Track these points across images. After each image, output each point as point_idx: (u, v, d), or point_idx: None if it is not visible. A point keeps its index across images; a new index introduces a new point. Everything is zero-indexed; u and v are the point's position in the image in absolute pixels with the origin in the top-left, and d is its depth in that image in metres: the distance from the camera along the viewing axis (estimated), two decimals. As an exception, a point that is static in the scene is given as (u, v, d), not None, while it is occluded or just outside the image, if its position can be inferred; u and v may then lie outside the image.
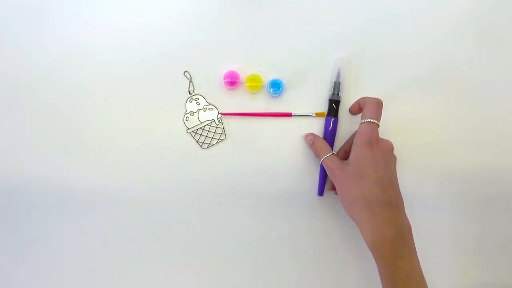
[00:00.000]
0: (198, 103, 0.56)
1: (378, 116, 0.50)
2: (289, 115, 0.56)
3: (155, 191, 0.56)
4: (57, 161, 0.56)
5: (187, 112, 0.56)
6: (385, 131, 0.57)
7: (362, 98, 0.52)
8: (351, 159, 0.49)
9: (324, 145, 0.54)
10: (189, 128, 0.56)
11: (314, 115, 0.56)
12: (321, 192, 0.56)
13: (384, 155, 0.49)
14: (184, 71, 0.56)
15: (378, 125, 0.50)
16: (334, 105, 0.55)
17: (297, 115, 0.56)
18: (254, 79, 0.55)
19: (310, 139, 0.55)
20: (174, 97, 0.56)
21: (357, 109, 0.53)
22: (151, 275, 0.56)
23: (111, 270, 0.56)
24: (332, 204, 0.57)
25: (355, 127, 0.56)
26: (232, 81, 0.55)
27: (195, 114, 0.56)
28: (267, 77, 0.56)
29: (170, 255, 0.56)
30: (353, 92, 0.56)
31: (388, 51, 0.57)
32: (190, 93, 0.56)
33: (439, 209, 0.57)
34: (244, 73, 0.56)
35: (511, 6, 0.58)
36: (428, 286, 0.58)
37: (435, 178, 0.58)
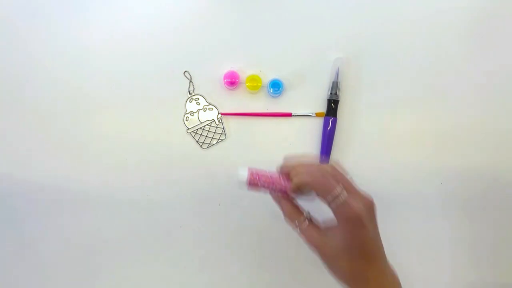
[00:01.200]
0: (198, 103, 0.56)
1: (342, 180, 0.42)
2: (289, 115, 0.56)
3: (155, 191, 0.56)
4: (57, 161, 0.56)
5: (187, 112, 0.56)
6: (384, 132, 0.57)
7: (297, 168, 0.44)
8: (337, 237, 0.42)
9: (293, 210, 0.45)
10: (189, 128, 0.56)
11: (314, 115, 0.56)
12: (321, 192, 0.56)
13: (372, 223, 0.42)
14: (184, 71, 0.56)
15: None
16: (333, 104, 0.55)
17: (297, 115, 0.56)
18: (254, 79, 0.55)
19: (275, 201, 0.47)
20: (174, 97, 0.56)
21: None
22: (151, 275, 0.56)
23: (111, 270, 0.56)
24: (332, 204, 0.57)
25: (354, 126, 0.56)
26: (232, 81, 0.55)
27: (195, 114, 0.56)
28: (267, 77, 0.56)
29: (170, 255, 0.56)
30: (352, 91, 0.57)
31: (387, 51, 0.57)
32: (190, 93, 0.56)
33: (439, 209, 0.57)
34: (244, 73, 0.56)
35: (511, 7, 0.58)
36: (429, 285, 0.58)
37: (435, 178, 0.58)
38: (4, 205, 0.56)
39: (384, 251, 0.44)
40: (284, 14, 0.57)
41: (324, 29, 0.57)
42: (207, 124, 0.56)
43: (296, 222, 0.44)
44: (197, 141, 0.56)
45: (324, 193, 0.41)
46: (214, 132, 0.56)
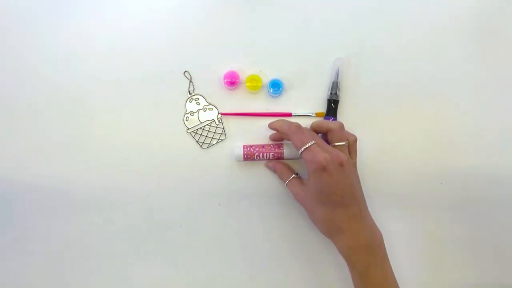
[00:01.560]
0: (198, 103, 0.56)
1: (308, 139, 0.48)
2: (289, 115, 0.56)
3: (155, 191, 0.56)
4: (57, 161, 0.56)
5: (187, 112, 0.56)
6: (384, 131, 0.57)
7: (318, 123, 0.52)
8: (310, 185, 0.49)
9: (285, 169, 0.54)
10: (189, 128, 0.56)
11: (314, 115, 0.56)
12: (321, 192, 0.56)
13: (339, 172, 0.47)
14: (184, 71, 0.56)
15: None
16: (333, 104, 0.55)
17: (297, 115, 0.56)
18: (254, 79, 0.55)
19: (270, 167, 0.55)
20: (174, 97, 0.56)
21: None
22: (151, 275, 0.56)
23: (111, 270, 0.56)
24: (332, 204, 0.57)
25: (354, 126, 0.56)
26: (232, 81, 0.55)
27: (195, 114, 0.56)
28: (267, 77, 0.56)
29: (170, 255, 0.56)
30: (352, 91, 0.57)
31: (387, 51, 0.57)
32: (190, 93, 0.56)
33: (439, 209, 0.57)
34: (244, 73, 0.56)
35: (510, 7, 0.58)
36: (429, 285, 0.58)
37: (435, 178, 0.58)
38: (3, 206, 0.56)
39: (363, 204, 0.49)
40: (284, 14, 0.57)
41: (324, 29, 0.57)
42: (207, 124, 0.56)
43: (287, 180, 0.53)
44: (197, 141, 0.56)
45: (298, 143, 0.48)
46: (214, 132, 0.56)
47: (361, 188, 0.50)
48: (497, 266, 0.58)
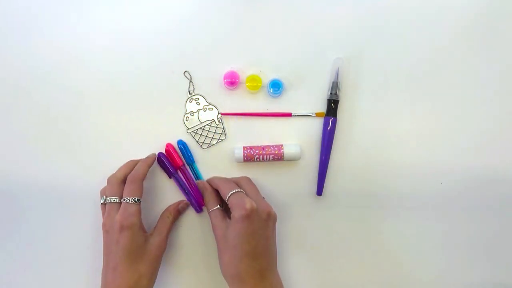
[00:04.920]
0: (198, 103, 0.56)
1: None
2: (289, 115, 0.56)
3: (155, 191, 0.56)
4: (57, 161, 0.56)
5: (187, 112, 0.56)
6: (384, 132, 0.57)
7: (209, 181, 0.54)
8: (230, 226, 0.48)
9: (212, 196, 0.52)
10: (189, 128, 0.56)
11: (314, 115, 0.56)
12: (320, 192, 0.56)
13: (261, 223, 0.48)
14: (184, 71, 0.56)
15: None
16: (333, 104, 0.55)
17: (297, 115, 0.56)
18: (254, 79, 0.55)
19: (200, 187, 0.55)
20: (174, 97, 0.56)
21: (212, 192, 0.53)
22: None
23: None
24: (332, 204, 0.57)
25: (354, 127, 0.56)
26: (232, 81, 0.55)
27: (195, 114, 0.56)
28: (267, 77, 0.56)
29: (170, 255, 0.56)
30: (352, 91, 0.57)
31: (387, 51, 0.57)
32: (190, 93, 0.56)
33: (439, 209, 0.57)
34: (244, 73, 0.56)
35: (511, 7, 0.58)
36: (428, 285, 0.58)
37: (435, 178, 0.58)
38: (3, 205, 0.56)
39: (273, 259, 0.49)
40: (284, 14, 0.57)
41: (324, 29, 0.57)
42: (207, 124, 0.56)
43: (211, 209, 0.52)
44: (197, 141, 0.56)
45: (226, 189, 0.49)
46: (214, 132, 0.56)
47: (275, 243, 0.51)
48: (498, 266, 0.58)
